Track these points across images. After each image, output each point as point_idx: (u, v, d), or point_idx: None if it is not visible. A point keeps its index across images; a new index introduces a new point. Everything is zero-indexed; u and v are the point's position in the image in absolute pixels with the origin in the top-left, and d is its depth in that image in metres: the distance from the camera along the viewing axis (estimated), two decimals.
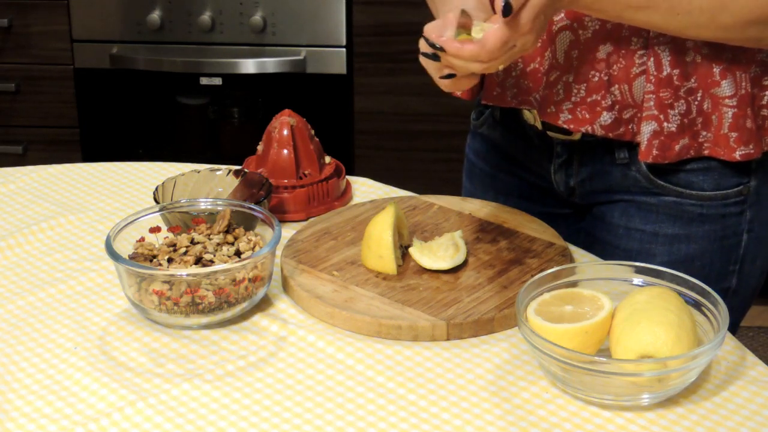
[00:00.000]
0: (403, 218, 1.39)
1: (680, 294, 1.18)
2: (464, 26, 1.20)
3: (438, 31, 1.19)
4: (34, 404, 1.15)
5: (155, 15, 2.76)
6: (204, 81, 2.83)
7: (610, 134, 1.36)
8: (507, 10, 1.14)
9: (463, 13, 1.21)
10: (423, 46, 1.20)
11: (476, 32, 1.19)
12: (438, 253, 1.34)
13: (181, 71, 2.81)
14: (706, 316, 1.18)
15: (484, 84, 1.46)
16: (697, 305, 1.18)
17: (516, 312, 1.16)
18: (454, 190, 1.63)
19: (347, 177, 1.59)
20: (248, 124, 2.93)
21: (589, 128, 1.36)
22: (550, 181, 1.48)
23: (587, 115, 1.35)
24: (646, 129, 1.34)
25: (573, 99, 1.36)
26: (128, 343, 1.25)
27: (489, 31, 1.16)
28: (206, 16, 2.75)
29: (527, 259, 1.36)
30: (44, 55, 2.84)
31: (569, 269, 1.23)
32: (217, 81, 2.83)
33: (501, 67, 1.20)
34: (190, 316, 1.25)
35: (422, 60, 1.23)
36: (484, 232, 1.43)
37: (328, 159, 1.57)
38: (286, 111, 1.55)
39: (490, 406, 1.13)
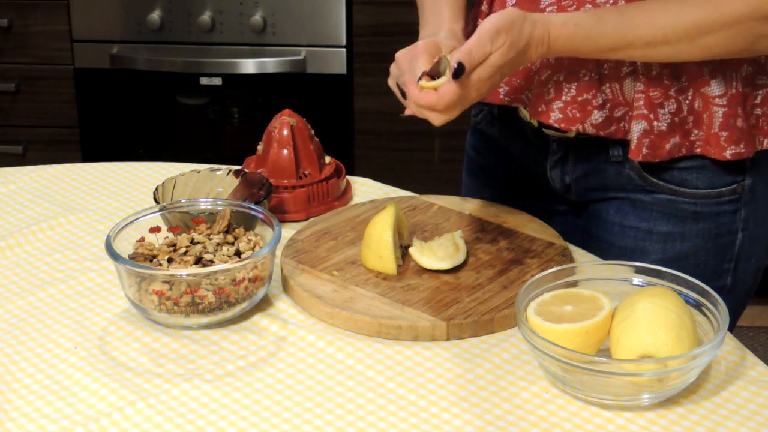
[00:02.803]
0: (403, 218, 1.39)
1: (680, 294, 1.18)
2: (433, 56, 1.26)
3: (407, 61, 1.25)
4: (34, 404, 1.15)
5: (155, 15, 2.76)
6: (204, 81, 2.83)
7: (601, 133, 1.36)
8: (457, 73, 1.20)
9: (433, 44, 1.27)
10: (394, 70, 1.27)
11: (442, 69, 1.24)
12: (438, 253, 1.34)
13: (181, 71, 2.80)
14: (706, 316, 1.18)
15: None
16: (697, 305, 1.18)
17: (516, 312, 1.16)
18: (454, 190, 1.63)
19: (347, 177, 1.59)
20: (248, 124, 2.92)
21: (580, 127, 1.36)
22: (546, 178, 1.49)
23: (578, 114, 1.36)
24: (636, 128, 1.34)
25: (563, 98, 1.36)
26: (128, 343, 1.25)
27: (444, 86, 1.21)
28: (206, 16, 2.75)
29: (527, 259, 1.36)
30: (44, 55, 2.84)
31: (569, 269, 1.23)
32: (217, 81, 2.83)
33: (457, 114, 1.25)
34: (190, 316, 1.25)
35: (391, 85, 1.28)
36: (484, 232, 1.43)
37: (328, 159, 1.57)
38: (286, 111, 1.55)
39: (490, 406, 1.13)
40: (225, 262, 1.28)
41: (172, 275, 1.23)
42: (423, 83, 1.22)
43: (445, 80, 1.21)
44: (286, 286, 1.34)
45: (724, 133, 1.33)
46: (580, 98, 1.35)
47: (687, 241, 1.40)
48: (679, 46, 1.26)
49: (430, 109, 1.22)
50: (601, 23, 1.26)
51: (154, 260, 1.30)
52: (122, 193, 1.60)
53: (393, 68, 1.27)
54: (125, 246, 1.31)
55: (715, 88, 1.32)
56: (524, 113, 1.45)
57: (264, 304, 1.31)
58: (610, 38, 1.26)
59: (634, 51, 1.27)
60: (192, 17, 2.77)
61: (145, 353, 1.23)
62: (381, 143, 2.87)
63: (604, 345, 1.16)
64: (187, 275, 1.23)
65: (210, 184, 1.48)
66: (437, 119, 1.24)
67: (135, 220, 1.34)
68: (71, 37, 2.82)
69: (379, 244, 1.33)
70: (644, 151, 1.34)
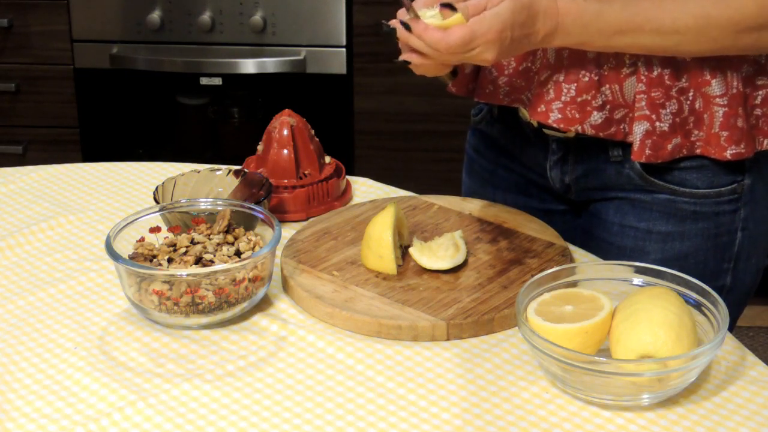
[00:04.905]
0: (403, 218, 1.39)
1: (680, 294, 1.18)
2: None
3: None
4: (34, 404, 1.15)
5: (155, 15, 2.76)
6: (204, 81, 2.83)
7: (601, 134, 1.36)
8: (443, 5, 1.21)
9: None
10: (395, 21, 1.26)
11: (422, 15, 1.24)
12: (438, 253, 1.34)
13: (181, 71, 2.80)
14: (706, 316, 1.18)
15: (477, 81, 1.46)
16: (697, 305, 1.19)
17: (516, 312, 1.16)
18: (454, 190, 1.63)
19: (347, 177, 1.59)
20: (248, 124, 2.93)
21: (579, 128, 1.36)
22: (546, 178, 1.49)
23: (577, 115, 1.36)
24: (639, 129, 1.34)
25: (563, 98, 1.36)
26: (128, 343, 1.25)
27: (455, 26, 1.21)
28: (206, 16, 2.75)
29: (527, 259, 1.36)
30: (44, 55, 2.84)
31: (569, 269, 1.23)
32: (217, 81, 2.83)
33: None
34: (190, 316, 1.25)
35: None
36: (484, 232, 1.43)
37: (328, 159, 1.57)
38: (286, 111, 1.55)
39: (490, 406, 1.13)
40: (225, 262, 1.28)
41: (172, 275, 1.23)
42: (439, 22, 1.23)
43: (453, 20, 1.21)
44: (286, 286, 1.34)
45: (725, 133, 1.33)
46: (579, 99, 1.35)
47: (686, 241, 1.40)
48: (687, 36, 1.27)
49: (433, 48, 1.22)
50: (609, 1, 1.27)
51: (154, 260, 1.30)
52: (122, 193, 1.60)
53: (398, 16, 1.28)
54: (125, 246, 1.31)
55: (716, 88, 1.32)
56: (524, 113, 1.45)
57: (264, 304, 1.31)
58: (618, 17, 1.26)
59: (642, 36, 1.27)
60: (192, 17, 2.77)
61: (145, 353, 1.23)
62: (381, 143, 2.87)
63: (604, 345, 1.16)
64: (187, 275, 1.23)
65: (210, 184, 1.48)
66: (432, 65, 1.25)
67: (135, 220, 1.34)
68: (71, 37, 2.82)
69: (379, 244, 1.33)
70: (647, 152, 1.34)
